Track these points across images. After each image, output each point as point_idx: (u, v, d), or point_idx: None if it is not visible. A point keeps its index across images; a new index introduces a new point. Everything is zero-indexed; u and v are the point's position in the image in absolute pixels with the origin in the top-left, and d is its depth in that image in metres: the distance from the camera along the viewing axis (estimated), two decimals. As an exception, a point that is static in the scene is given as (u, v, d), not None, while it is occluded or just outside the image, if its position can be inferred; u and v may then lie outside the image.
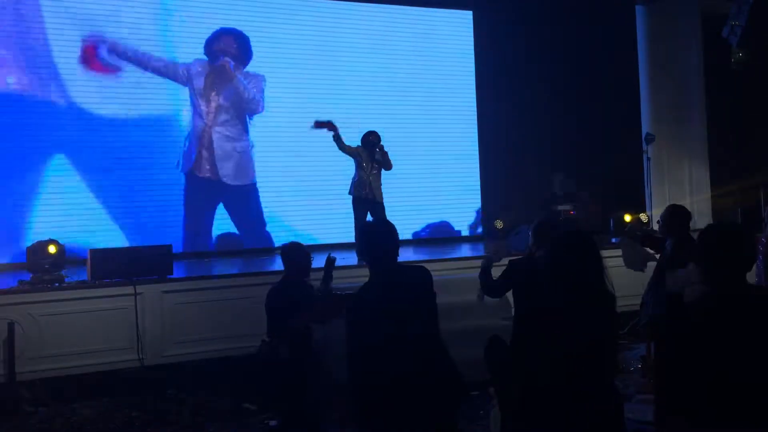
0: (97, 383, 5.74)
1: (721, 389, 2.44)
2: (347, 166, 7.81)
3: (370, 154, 7.53)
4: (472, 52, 10.48)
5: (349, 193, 7.65)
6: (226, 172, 9.14)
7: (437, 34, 10.31)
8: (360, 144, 7.58)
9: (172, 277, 6.20)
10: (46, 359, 5.65)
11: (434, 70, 10.20)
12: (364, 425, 3.44)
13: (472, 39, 10.50)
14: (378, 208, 7.55)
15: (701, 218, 10.50)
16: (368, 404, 3.33)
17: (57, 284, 5.91)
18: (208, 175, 9.05)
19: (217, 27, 9.13)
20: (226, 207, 9.15)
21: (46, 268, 5.95)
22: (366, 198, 7.53)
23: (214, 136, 9.10)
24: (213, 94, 9.12)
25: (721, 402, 2.43)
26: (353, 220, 7.65)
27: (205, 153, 9.04)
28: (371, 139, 7.53)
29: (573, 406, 2.94)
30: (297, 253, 4.68)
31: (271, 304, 4.50)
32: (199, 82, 9.03)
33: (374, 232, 3.71)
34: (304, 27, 9.48)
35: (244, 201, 9.25)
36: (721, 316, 2.50)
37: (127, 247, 6.46)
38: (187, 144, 8.96)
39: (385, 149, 7.56)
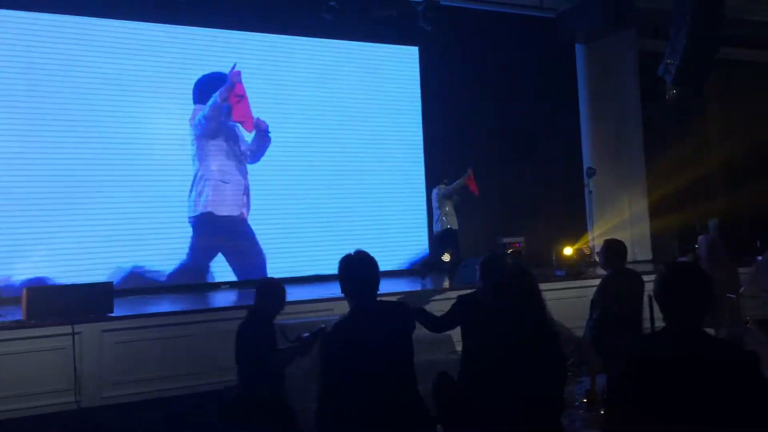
0: (32, 428, 5.50)
1: (661, 424, 2.46)
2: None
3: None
4: (419, 87, 10.63)
5: (444, 228, 8.91)
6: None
7: (385, 69, 10.43)
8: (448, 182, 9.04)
9: (112, 315, 6.02)
10: (-23, 403, 5.40)
11: (382, 104, 10.30)
12: None
13: (418, 74, 10.65)
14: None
15: (642, 250, 10.78)
16: None
17: (-10, 324, 5.67)
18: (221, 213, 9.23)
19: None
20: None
21: (-22, 307, 5.72)
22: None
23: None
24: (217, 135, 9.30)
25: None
26: (444, 251, 8.82)
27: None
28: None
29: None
30: (275, 290, 4.56)
31: (245, 344, 4.36)
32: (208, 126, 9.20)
33: (354, 265, 3.47)
34: (252, 60, 9.48)
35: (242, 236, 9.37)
36: (669, 353, 2.51)
37: (65, 285, 6.23)
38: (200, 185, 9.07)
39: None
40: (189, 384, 6.01)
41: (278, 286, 4.59)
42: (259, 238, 9.36)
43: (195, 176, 9.06)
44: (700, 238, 7.19)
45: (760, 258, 8.37)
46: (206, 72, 9.24)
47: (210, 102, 9.16)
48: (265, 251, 9.37)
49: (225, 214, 9.19)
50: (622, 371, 2.63)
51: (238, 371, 4.39)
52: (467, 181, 8.95)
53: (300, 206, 9.55)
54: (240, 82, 9.25)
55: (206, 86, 9.19)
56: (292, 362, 4.40)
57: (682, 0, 8.90)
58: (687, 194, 10.96)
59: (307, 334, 4.39)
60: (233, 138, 9.34)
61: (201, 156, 9.11)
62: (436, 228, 9.16)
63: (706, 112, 12.51)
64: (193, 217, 9.01)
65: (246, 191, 9.35)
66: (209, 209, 9.08)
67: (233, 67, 9.23)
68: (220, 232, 9.13)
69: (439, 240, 9.22)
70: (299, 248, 9.45)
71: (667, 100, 9.89)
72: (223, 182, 9.19)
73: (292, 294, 7.32)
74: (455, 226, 9.08)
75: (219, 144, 9.22)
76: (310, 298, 6.89)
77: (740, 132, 12.41)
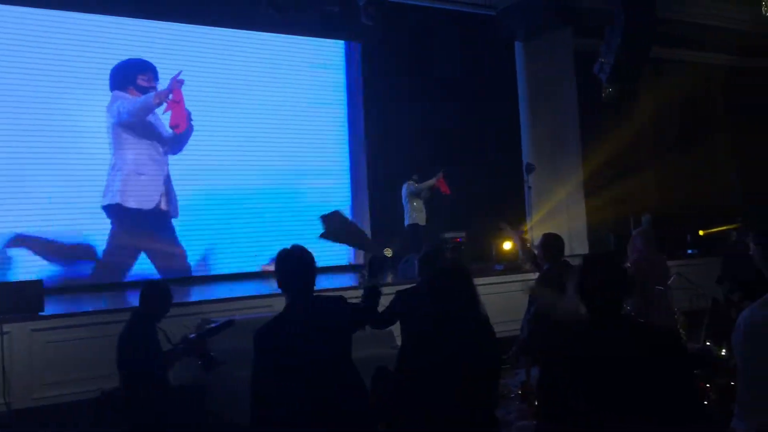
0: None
1: (594, 413, 2.52)
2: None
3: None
4: (361, 82, 10.62)
5: (411, 223, 9.16)
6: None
7: (327, 65, 10.36)
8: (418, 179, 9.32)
9: (43, 314, 5.84)
10: None
11: (323, 100, 10.25)
12: None
13: (359, 70, 10.65)
14: None
15: (579, 244, 10.98)
16: None
17: None
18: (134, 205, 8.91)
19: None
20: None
21: None
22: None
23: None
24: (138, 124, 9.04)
25: (596, 425, 2.52)
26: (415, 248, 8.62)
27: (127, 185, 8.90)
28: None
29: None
30: (160, 292, 4.49)
31: (128, 347, 4.27)
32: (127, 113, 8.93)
33: (290, 259, 3.40)
34: (189, 53, 9.33)
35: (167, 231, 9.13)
36: (596, 342, 2.61)
37: (-7, 283, 6.02)
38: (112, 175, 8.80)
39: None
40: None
41: (163, 288, 4.53)
42: (195, 234, 9.21)
43: (111, 166, 8.84)
44: (634, 232, 7.37)
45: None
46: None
47: (141, 101, 8.96)
48: (190, 246, 9.23)
49: (142, 207, 8.95)
50: (553, 363, 2.71)
51: (119, 376, 4.31)
52: (437, 182, 9.37)
53: (237, 203, 9.43)
54: (179, 88, 9.07)
55: (122, 72, 8.96)
56: (176, 363, 4.34)
57: (617, 0, 9.13)
58: (621, 189, 11.26)
59: (193, 335, 4.35)
60: (152, 127, 9.14)
61: (117, 144, 8.87)
62: (406, 222, 9.49)
63: (638, 110, 12.84)
64: (107, 207, 8.75)
65: (166, 182, 9.13)
66: (122, 200, 8.84)
67: (178, 74, 9.07)
68: (139, 224, 8.90)
69: (406, 233, 9.42)
70: (237, 244, 9.33)
71: (603, 98, 10.12)
72: (139, 174, 8.97)
73: (233, 291, 7.25)
74: (422, 222, 9.43)
75: (137, 133, 9.01)
76: (249, 295, 6.83)
77: (670, 129, 12.83)
